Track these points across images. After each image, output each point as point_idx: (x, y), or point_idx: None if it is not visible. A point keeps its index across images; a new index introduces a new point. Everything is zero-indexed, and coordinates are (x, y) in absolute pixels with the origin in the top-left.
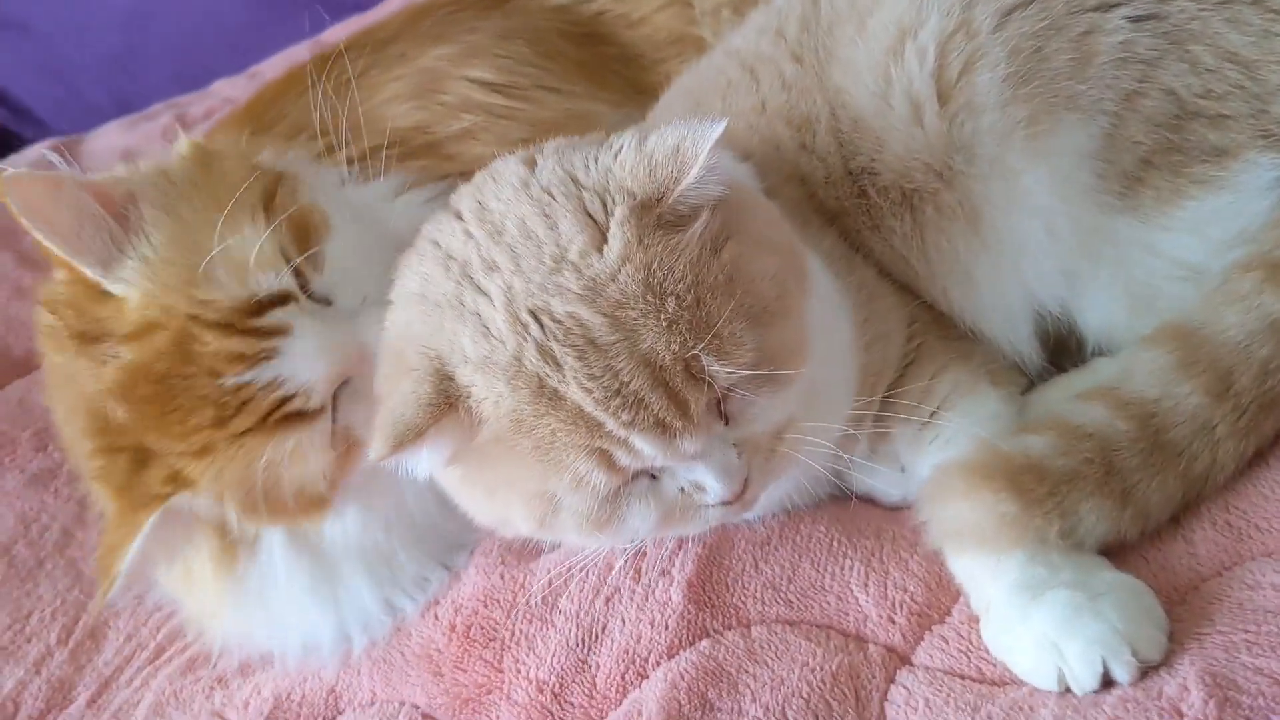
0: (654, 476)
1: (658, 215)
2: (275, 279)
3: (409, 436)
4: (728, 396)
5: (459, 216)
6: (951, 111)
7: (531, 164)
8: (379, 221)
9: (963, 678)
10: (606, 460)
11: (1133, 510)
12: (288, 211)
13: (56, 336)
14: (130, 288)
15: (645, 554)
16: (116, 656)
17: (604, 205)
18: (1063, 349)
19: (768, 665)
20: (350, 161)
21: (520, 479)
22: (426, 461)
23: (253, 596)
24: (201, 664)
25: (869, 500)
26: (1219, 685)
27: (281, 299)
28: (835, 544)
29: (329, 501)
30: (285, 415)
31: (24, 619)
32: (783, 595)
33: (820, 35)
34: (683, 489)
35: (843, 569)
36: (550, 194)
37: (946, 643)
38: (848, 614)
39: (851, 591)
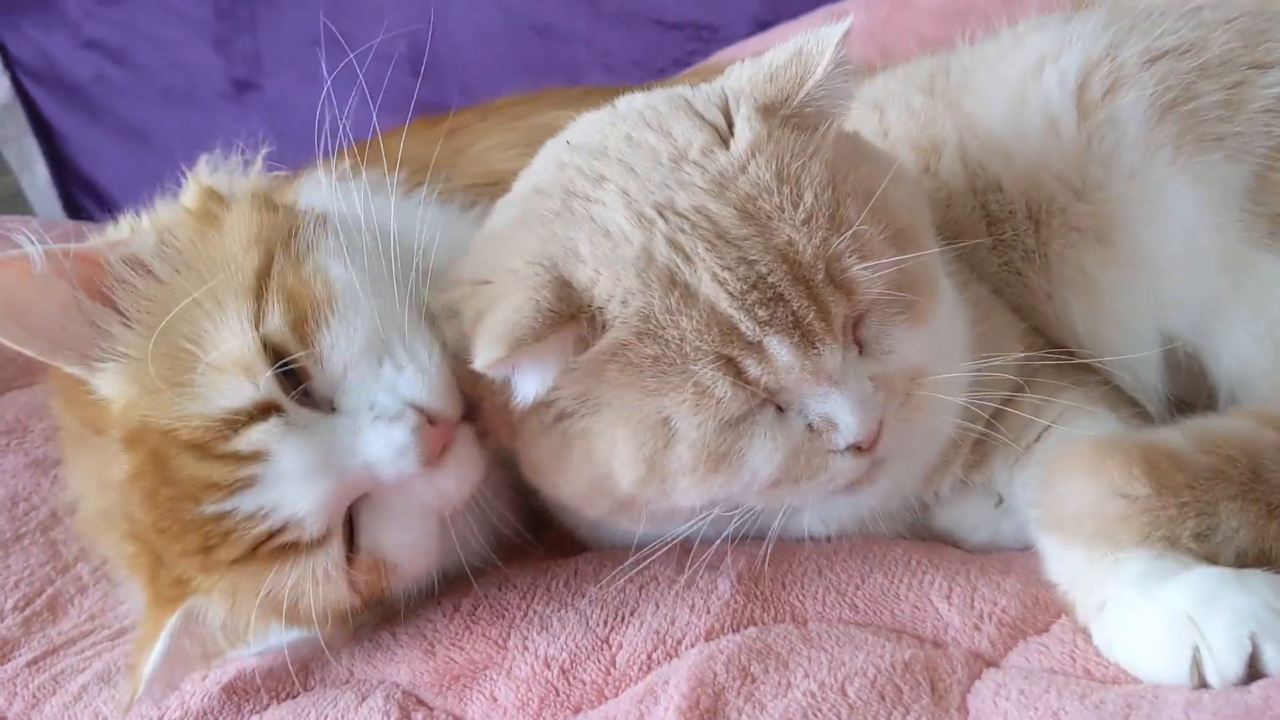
0: (780, 410)
1: (783, 116)
2: (254, 389)
3: (526, 340)
4: (864, 319)
5: (544, 159)
6: (1092, 126)
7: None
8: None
9: (1066, 675)
10: (735, 371)
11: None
12: (284, 290)
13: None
14: (114, 389)
15: (691, 550)
16: (73, 630)
17: (722, 110)
18: (1189, 409)
19: (826, 650)
20: (447, 196)
21: (634, 403)
22: (535, 379)
23: None
24: None
25: (952, 543)
26: None
27: (263, 411)
28: (914, 561)
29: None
30: (281, 547)
31: None
32: (848, 599)
33: (953, 78)
34: (811, 425)
35: (921, 582)
36: (656, 109)
37: (1047, 649)
38: (925, 621)
39: (931, 602)
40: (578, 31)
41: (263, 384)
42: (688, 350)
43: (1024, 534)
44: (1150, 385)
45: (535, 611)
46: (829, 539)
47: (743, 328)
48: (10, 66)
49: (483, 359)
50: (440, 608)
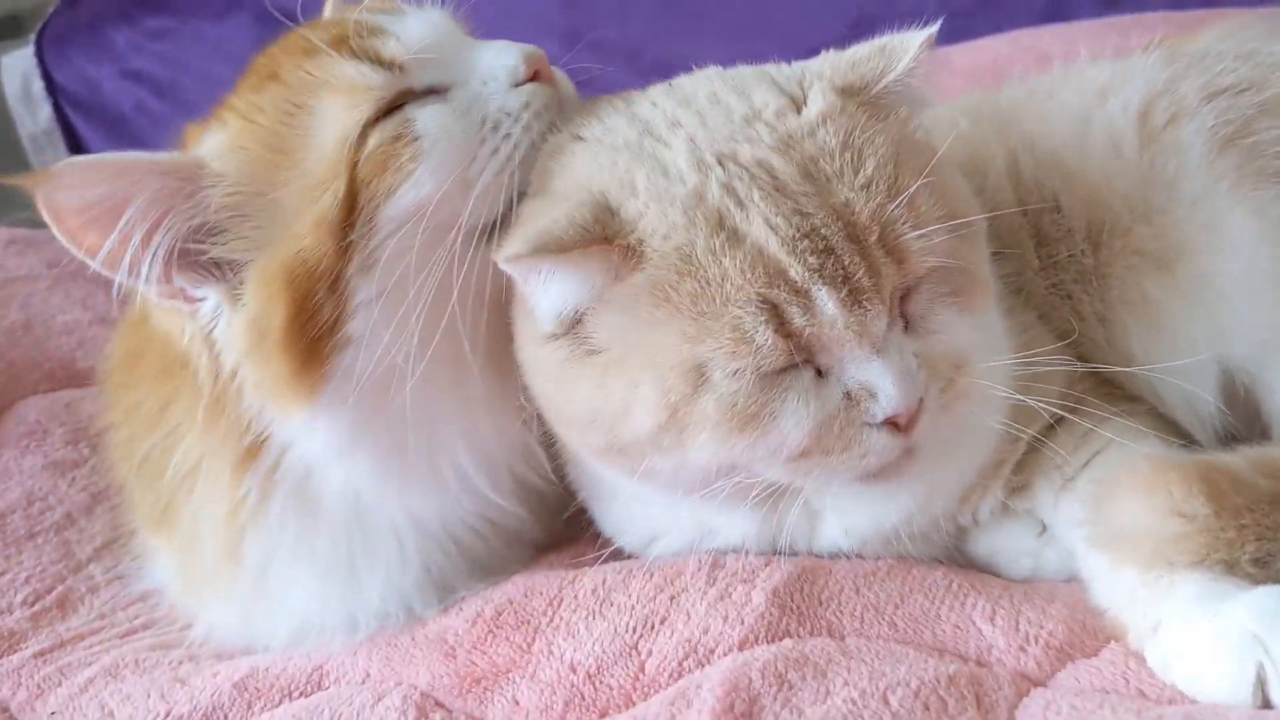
0: (819, 374)
1: (859, 101)
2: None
3: (549, 247)
4: (913, 294)
5: (651, 91)
6: (1154, 152)
7: None
8: None
9: (1120, 694)
10: (777, 318)
11: None
12: None
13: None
14: None
15: (723, 565)
16: (82, 627)
17: (801, 86)
18: (1240, 444)
19: (866, 662)
20: None
21: (667, 346)
22: (555, 293)
23: (254, 580)
24: (175, 645)
25: (990, 573)
26: None
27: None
28: (954, 584)
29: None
30: (361, 47)
31: None
32: (886, 618)
33: (1005, 104)
34: (849, 394)
35: (963, 604)
36: (744, 76)
37: (1098, 671)
38: (968, 642)
39: (974, 623)
40: (617, 85)
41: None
42: (730, 290)
43: (1068, 565)
44: (1205, 414)
45: (561, 618)
46: (862, 558)
47: (791, 272)
48: (53, 93)
49: (506, 251)
50: (462, 613)
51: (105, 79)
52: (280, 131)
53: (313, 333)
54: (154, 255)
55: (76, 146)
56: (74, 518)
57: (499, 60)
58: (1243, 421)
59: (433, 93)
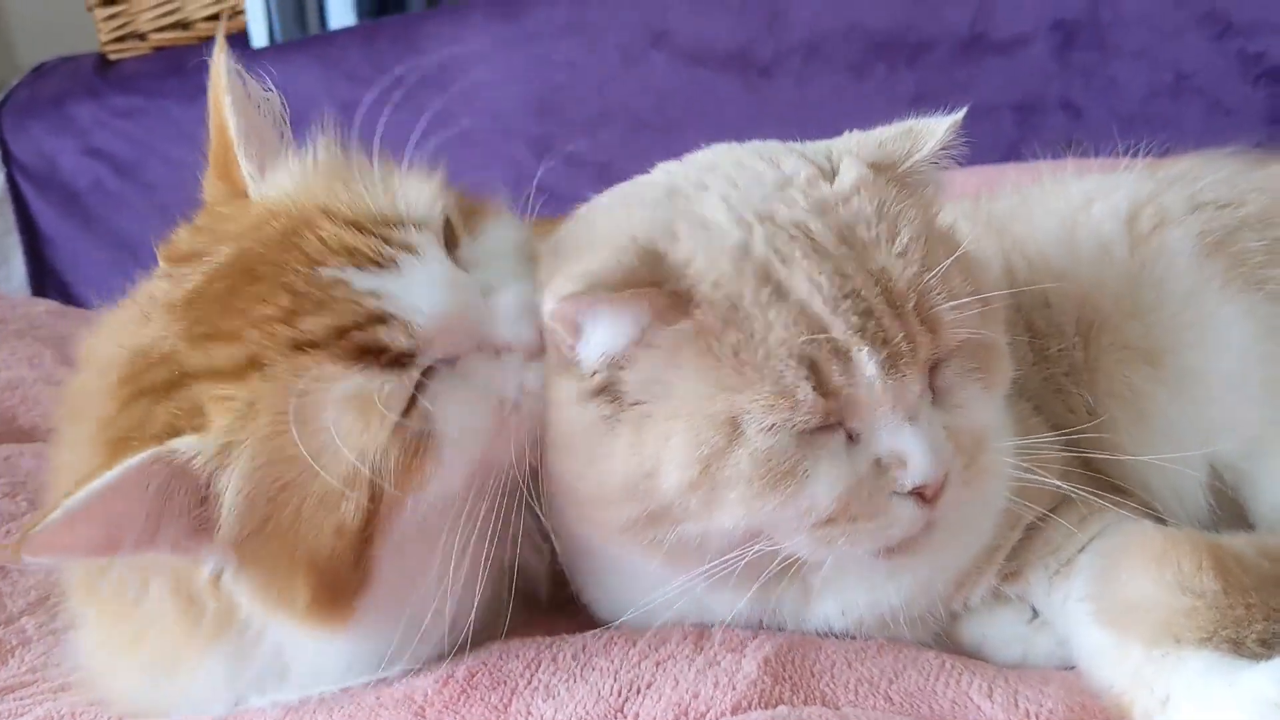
0: (850, 439)
1: (886, 177)
2: (426, 208)
3: (603, 286)
4: (941, 367)
5: (655, 170)
6: (1144, 254)
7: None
8: None
9: None
10: (817, 377)
11: None
12: (460, 198)
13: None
14: (271, 189)
15: (710, 635)
16: (12, 679)
17: (829, 159)
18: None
19: None
20: None
21: (704, 396)
22: (605, 334)
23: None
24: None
25: (979, 659)
26: None
27: (421, 227)
28: (948, 664)
29: (354, 587)
30: (365, 344)
31: None
32: (881, 691)
33: (997, 210)
34: (879, 461)
35: (959, 681)
36: (770, 148)
37: None
38: (967, 717)
39: (971, 699)
40: (586, 198)
41: (435, 210)
42: (773, 344)
43: (1059, 652)
44: (1194, 508)
45: (540, 680)
46: (853, 637)
47: (834, 330)
48: (7, 163)
49: (558, 290)
50: (430, 674)
51: (64, 153)
52: (283, 435)
53: (337, 594)
54: (159, 547)
55: (26, 217)
56: (7, 570)
57: (514, 331)
58: (1229, 515)
59: (444, 362)
